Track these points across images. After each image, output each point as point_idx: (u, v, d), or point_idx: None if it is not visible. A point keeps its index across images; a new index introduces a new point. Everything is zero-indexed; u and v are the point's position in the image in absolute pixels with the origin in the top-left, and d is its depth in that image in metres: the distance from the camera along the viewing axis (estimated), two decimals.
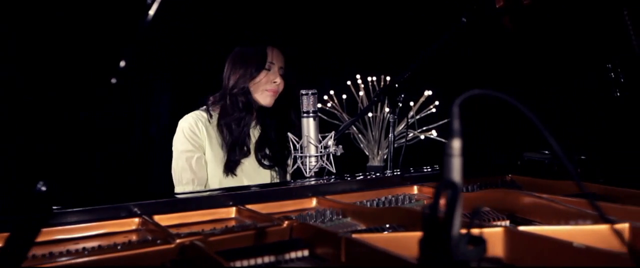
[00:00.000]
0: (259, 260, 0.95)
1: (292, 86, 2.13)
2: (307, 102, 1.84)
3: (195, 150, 2.04)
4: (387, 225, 1.17)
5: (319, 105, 1.99)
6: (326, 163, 1.85)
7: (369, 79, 2.17)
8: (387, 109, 2.08)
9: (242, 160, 2.08)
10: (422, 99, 2.12)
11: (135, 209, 1.26)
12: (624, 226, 0.95)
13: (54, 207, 1.19)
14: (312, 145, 1.84)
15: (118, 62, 0.82)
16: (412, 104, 2.10)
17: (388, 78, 2.15)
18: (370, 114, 2.09)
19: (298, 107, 1.88)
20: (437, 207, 0.61)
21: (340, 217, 1.32)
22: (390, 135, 2.02)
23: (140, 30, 0.86)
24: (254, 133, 2.17)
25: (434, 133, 2.10)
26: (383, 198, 1.47)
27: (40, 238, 1.11)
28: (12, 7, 2.23)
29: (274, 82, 2.10)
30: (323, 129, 1.94)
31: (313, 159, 1.84)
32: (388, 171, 1.89)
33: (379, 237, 0.99)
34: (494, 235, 0.94)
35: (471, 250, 0.61)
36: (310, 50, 3.22)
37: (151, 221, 1.21)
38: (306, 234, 1.07)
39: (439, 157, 0.64)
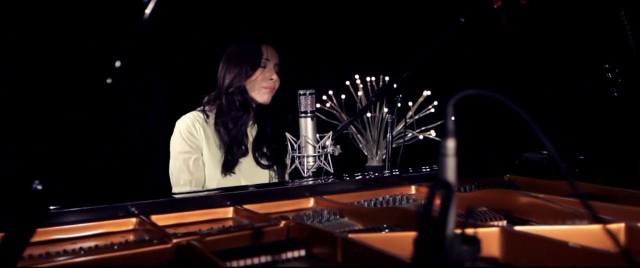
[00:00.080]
0: (255, 260, 0.95)
1: (288, 82, 2.13)
2: (305, 102, 1.84)
3: (192, 151, 2.03)
4: (385, 225, 1.17)
5: (318, 105, 1.99)
6: (324, 163, 1.85)
7: (368, 79, 2.17)
8: (385, 109, 2.08)
9: (240, 160, 2.08)
10: (420, 99, 2.12)
11: (133, 209, 1.26)
12: (620, 226, 0.95)
13: (52, 207, 1.19)
14: (309, 145, 1.84)
15: (114, 62, 0.82)
16: (410, 104, 2.10)
17: (387, 78, 2.15)
18: (369, 114, 2.09)
19: (295, 105, 1.88)
20: (431, 207, 0.61)
21: (338, 217, 1.32)
22: (388, 135, 2.02)
23: (137, 29, 0.86)
24: (252, 132, 2.17)
25: (432, 133, 2.10)
26: (381, 199, 1.47)
27: (37, 238, 1.12)
28: (12, 7, 2.23)
29: (271, 79, 2.09)
30: (323, 129, 1.94)
31: (311, 159, 1.84)
32: (386, 171, 1.89)
33: (375, 236, 0.99)
34: (490, 235, 0.94)
35: (465, 249, 0.61)
36: (310, 50, 3.22)
37: (148, 221, 1.21)
38: (303, 234, 1.07)
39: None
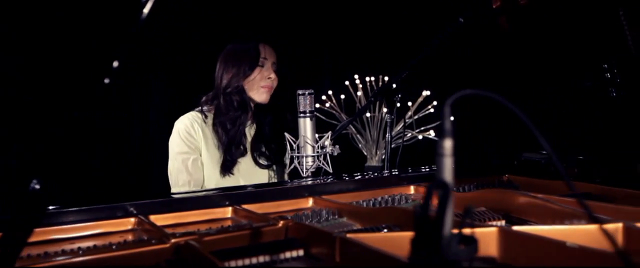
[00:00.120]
0: (254, 260, 0.95)
1: (287, 82, 2.13)
2: (304, 102, 1.84)
3: (191, 151, 2.03)
4: (384, 225, 1.17)
5: (317, 105, 1.99)
6: (323, 163, 1.85)
7: (367, 79, 2.17)
8: (384, 109, 2.08)
9: (239, 160, 2.08)
10: (420, 99, 2.12)
11: (131, 209, 1.26)
12: (618, 226, 0.95)
13: (51, 207, 1.19)
14: (308, 145, 1.84)
15: (112, 62, 0.82)
16: (410, 104, 2.10)
17: (386, 78, 2.15)
18: (368, 114, 2.09)
19: (294, 105, 1.88)
20: (428, 207, 0.61)
21: (337, 217, 1.32)
22: (387, 135, 2.02)
23: (135, 29, 0.86)
24: (250, 132, 2.16)
25: (431, 133, 2.11)
26: (379, 198, 1.47)
27: (35, 238, 1.12)
28: (12, 7, 2.23)
29: (269, 78, 2.09)
30: (322, 129, 1.94)
31: (310, 159, 1.84)
32: (385, 171, 1.89)
33: (373, 236, 0.99)
34: (488, 235, 0.94)
35: (462, 249, 0.61)
36: (309, 50, 3.23)
37: (147, 221, 1.21)
38: (301, 234, 1.07)
39: None
